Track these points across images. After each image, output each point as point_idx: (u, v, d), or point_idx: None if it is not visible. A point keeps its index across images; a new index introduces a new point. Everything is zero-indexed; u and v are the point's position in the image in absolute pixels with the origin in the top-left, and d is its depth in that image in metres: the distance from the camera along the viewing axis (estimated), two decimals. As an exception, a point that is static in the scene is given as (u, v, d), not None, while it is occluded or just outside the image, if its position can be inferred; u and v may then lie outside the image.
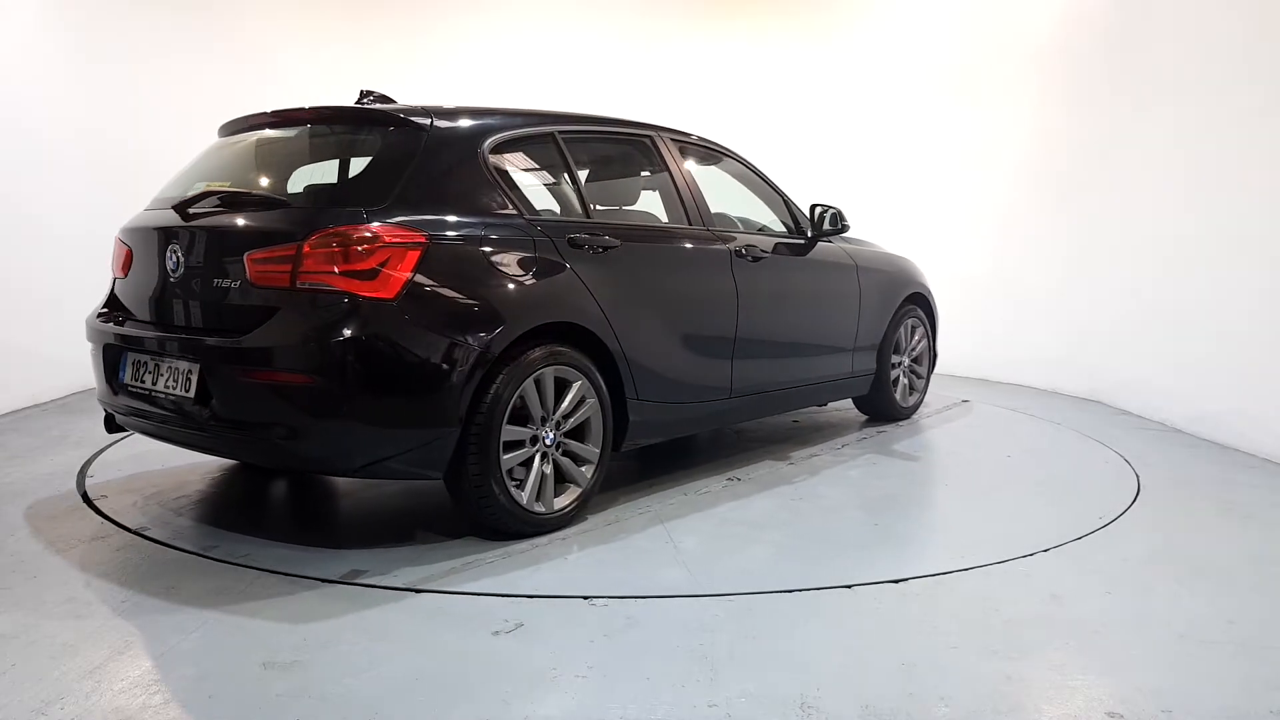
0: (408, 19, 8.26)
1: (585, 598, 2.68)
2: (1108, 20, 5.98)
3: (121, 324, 3.35)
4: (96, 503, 3.57)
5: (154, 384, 3.11)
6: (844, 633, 2.48)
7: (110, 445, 4.52)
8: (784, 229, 4.52)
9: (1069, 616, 2.60)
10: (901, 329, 5.14)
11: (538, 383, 3.12)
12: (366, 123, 3.23)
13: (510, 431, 3.05)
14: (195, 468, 4.08)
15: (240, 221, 3.04)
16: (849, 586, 2.79)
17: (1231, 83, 4.81)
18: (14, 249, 5.38)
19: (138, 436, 4.64)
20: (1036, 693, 2.17)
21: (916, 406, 5.44)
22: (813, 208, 4.50)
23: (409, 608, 2.60)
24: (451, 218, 3.03)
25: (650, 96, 8.44)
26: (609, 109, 5.31)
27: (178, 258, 3.12)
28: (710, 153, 4.41)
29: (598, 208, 3.98)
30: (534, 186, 3.66)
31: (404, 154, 3.07)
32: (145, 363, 3.16)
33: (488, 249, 3.07)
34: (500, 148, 3.32)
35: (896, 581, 2.84)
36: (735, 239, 4.06)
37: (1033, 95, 6.68)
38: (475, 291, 2.99)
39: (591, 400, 3.31)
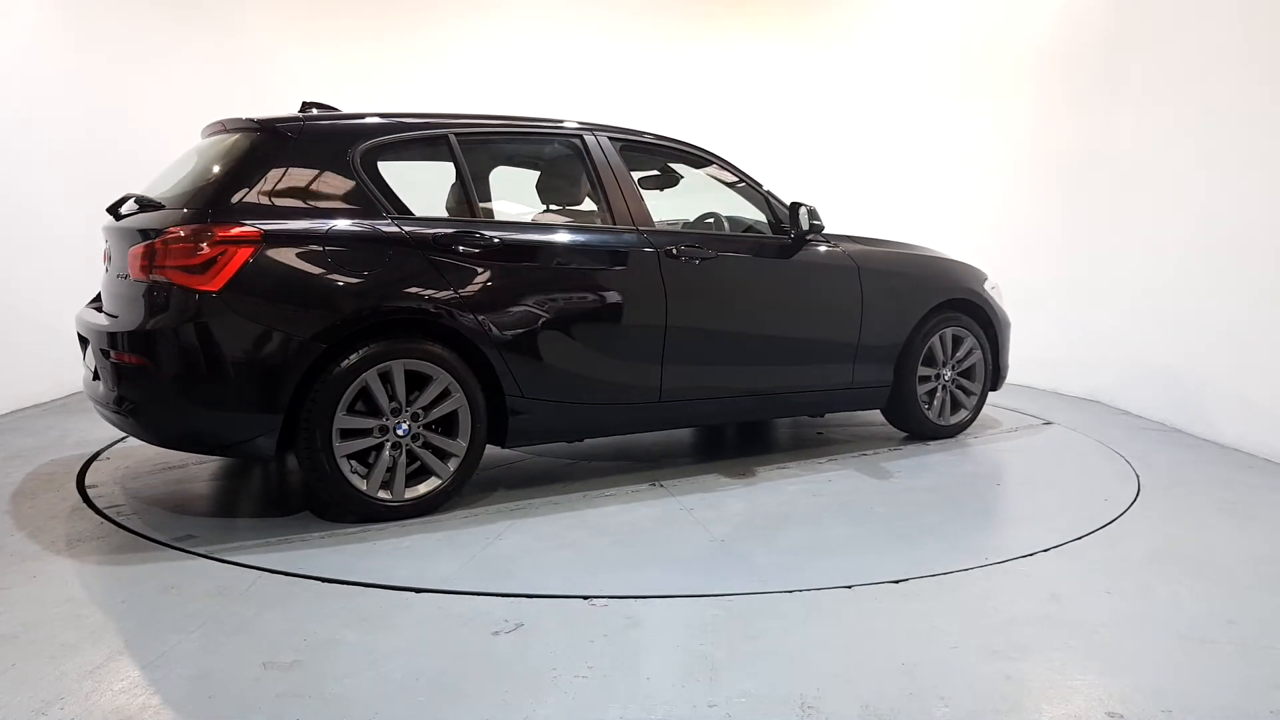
0: (408, 20, 8.26)
1: (585, 597, 2.68)
2: (1107, 20, 5.98)
3: (100, 313, 3.62)
4: (96, 502, 3.57)
5: (90, 365, 3.53)
6: (844, 633, 2.48)
7: (110, 445, 4.52)
8: (771, 230, 4.36)
9: (1069, 616, 2.60)
10: (936, 338, 4.68)
11: (384, 375, 3.25)
12: (252, 131, 3.42)
13: (350, 420, 3.21)
14: (195, 467, 4.08)
15: (135, 222, 3.37)
16: (849, 586, 2.79)
17: (1231, 82, 4.81)
18: (14, 249, 5.38)
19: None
20: (1036, 693, 2.17)
21: (963, 425, 4.88)
22: (793, 206, 4.26)
23: (409, 608, 2.60)
24: (301, 216, 3.25)
25: (650, 98, 8.44)
26: (608, 110, 5.30)
27: (108, 253, 3.57)
28: (671, 152, 4.31)
29: (505, 207, 4.04)
30: (412, 187, 3.76)
31: (266, 158, 3.31)
32: (91, 347, 3.54)
33: (332, 247, 3.23)
34: (375, 151, 3.47)
35: (896, 582, 2.84)
36: (671, 239, 3.93)
37: (1033, 95, 6.68)
38: (308, 287, 3.17)
39: (458, 395, 3.38)
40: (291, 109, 3.94)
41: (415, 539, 3.18)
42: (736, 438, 4.96)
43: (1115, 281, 5.83)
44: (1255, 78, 4.64)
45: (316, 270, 3.19)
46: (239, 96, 7.08)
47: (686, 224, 4.62)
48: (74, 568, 2.92)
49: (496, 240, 3.52)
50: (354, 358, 3.18)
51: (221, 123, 3.59)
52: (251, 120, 3.44)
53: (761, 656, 2.32)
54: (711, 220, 4.53)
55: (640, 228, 3.89)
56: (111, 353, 3.20)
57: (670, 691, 2.13)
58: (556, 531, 3.29)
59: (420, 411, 3.35)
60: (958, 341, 4.80)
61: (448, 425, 3.43)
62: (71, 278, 5.11)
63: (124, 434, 4.62)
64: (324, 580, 2.79)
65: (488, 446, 3.57)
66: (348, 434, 3.22)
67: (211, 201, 3.19)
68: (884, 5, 8.44)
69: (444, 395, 3.38)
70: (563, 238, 3.81)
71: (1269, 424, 4.50)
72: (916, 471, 4.20)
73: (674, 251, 3.89)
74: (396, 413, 3.30)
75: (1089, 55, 6.12)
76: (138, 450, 4.41)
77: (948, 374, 4.79)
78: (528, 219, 4.07)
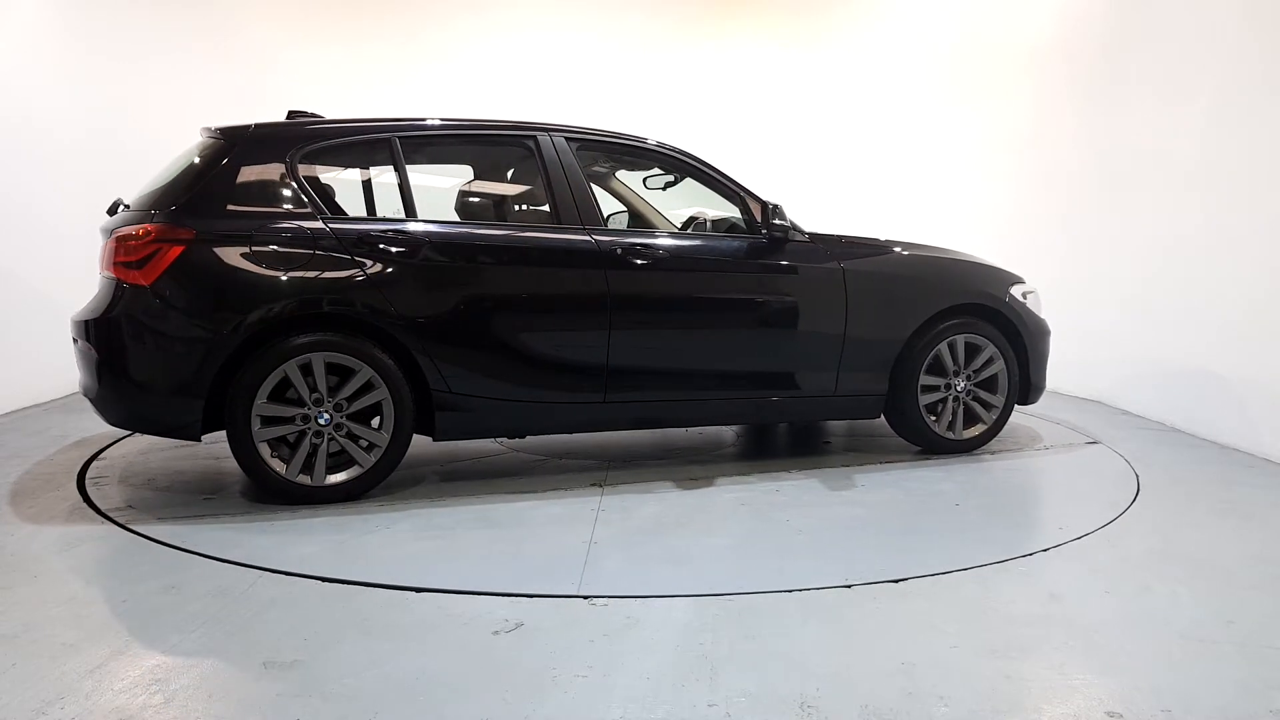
0: (409, 21, 8.26)
1: (585, 597, 2.68)
2: (1106, 20, 5.98)
3: None
4: (97, 502, 3.58)
5: None
6: (844, 632, 2.48)
7: (111, 445, 4.52)
8: (748, 230, 4.20)
9: (1069, 616, 2.60)
10: (944, 346, 4.36)
11: (304, 367, 3.44)
12: (214, 138, 3.69)
13: (271, 408, 3.42)
14: (195, 467, 4.09)
15: (109, 223, 3.66)
16: (849, 586, 2.79)
17: (1230, 82, 4.81)
18: (15, 248, 5.38)
19: (137, 437, 4.68)
20: (1036, 693, 2.17)
21: (980, 440, 4.52)
22: (764, 206, 4.11)
23: (409, 608, 2.60)
24: (234, 217, 3.48)
25: (647, 100, 8.44)
26: (607, 111, 5.29)
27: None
28: (637, 151, 4.27)
29: (441, 207, 4.10)
30: (348, 189, 3.95)
31: (212, 162, 3.57)
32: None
33: (259, 245, 3.45)
34: (312, 155, 3.69)
35: (896, 581, 2.84)
36: (618, 238, 3.89)
37: (1032, 96, 6.69)
38: (232, 282, 3.41)
39: (381, 388, 3.53)
40: (293, 109, 4.01)
41: (311, 522, 3.36)
42: (736, 443, 4.96)
43: (1115, 282, 5.83)
44: (1255, 76, 4.64)
45: (241, 267, 3.41)
46: (240, 97, 7.10)
47: (673, 225, 4.62)
48: (74, 567, 2.92)
49: (424, 239, 3.63)
50: (272, 350, 3.39)
51: (206, 128, 3.82)
52: (214, 128, 3.71)
53: (761, 656, 2.32)
54: (705, 221, 4.47)
55: (587, 227, 3.87)
56: (79, 340, 3.53)
57: (670, 691, 2.13)
58: (448, 525, 3.37)
59: (344, 402, 3.51)
60: (973, 350, 4.45)
61: (374, 416, 3.58)
62: (71, 278, 5.11)
63: (123, 433, 4.66)
64: (324, 580, 2.79)
65: (476, 442, 3.56)
66: (271, 420, 3.43)
67: (163, 203, 3.48)
68: (883, 6, 8.44)
69: (368, 387, 3.53)
70: (495, 237, 3.85)
71: (1269, 424, 4.50)
72: (881, 486, 3.94)
73: (618, 251, 3.86)
74: (320, 403, 3.47)
75: (1088, 55, 6.12)
76: (138, 449, 4.42)
77: (961, 384, 4.45)
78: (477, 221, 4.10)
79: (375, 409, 3.58)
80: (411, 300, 3.56)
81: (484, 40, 8.37)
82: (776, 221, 4.08)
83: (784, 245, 4.16)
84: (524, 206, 4.22)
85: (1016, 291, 4.60)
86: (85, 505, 3.55)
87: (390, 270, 3.56)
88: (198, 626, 2.45)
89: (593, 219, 3.91)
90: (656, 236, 4.13)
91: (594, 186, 4.38)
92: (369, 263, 3.53)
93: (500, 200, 4.25)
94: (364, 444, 3.57)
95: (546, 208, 3.97)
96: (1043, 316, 4.73)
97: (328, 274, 3.48)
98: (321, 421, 3.48)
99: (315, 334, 3.46)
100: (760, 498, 3.77)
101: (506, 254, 3.80)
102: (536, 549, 3.13)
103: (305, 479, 3.50)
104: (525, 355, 3.75)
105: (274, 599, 2.65)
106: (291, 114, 3.94)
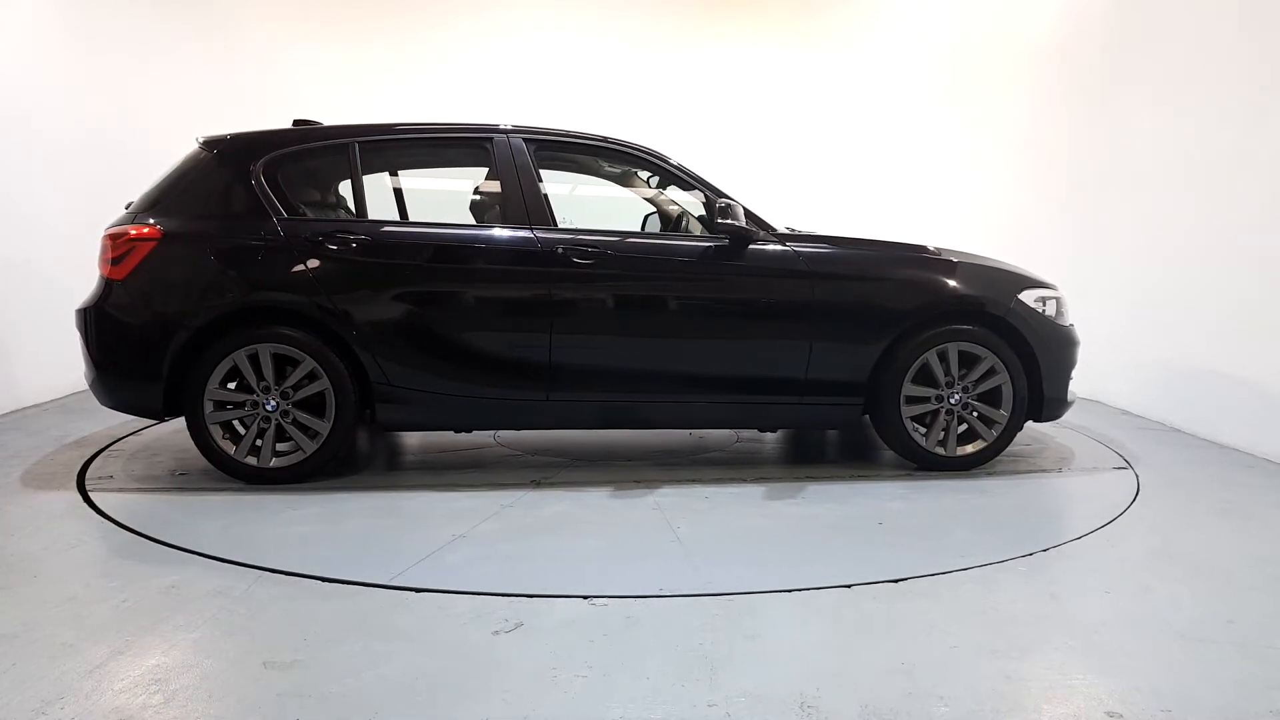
0: (407, 21, 8.27)
1: (585, 597, 2.68)
2: (1107, 20, 5.98)
3: None
4: (97, 502, 3.58)
5: None
6: (844, 632, 2.48)
7: (111, 444, 4.52)
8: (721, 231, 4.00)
9: (1069, 616, 2.60)
10: (933, 354, 4.01)
11: (252, 357, 3.71)
12: (201, 146, 3.97)
13: (223, 394, 3.73)
14: (196, 466, 4.08)
15: (109, 222, 3.89)
16: (848, 586, 2.79)
17: (1230, 82, 4.81)
18: (15, 248, 5.38)
19: (136, 437, 4.68)
20: (1036, 693, 2.17)
21: (976, 458, 4.13)
22: (716, 204, 3.93)
23: (409, 607, 2.60)
24: (201, 218, 3.80)
25: (647, 100, 8.45)
26: (604, 112, 5.29)
27: None
28: (604, 151, 4.24)
29: (400, 208, 4.40)
30: (306, 192, 4.15)
31: (191, 169, 3.90)
32: None
33: (217, 244, 3.75)
34: (274, 162, 3.90)
35: (896, 581, 2.84)
36: (562, 237, 3.85)
37: (1031, 96, 6.69)
38: (188, 278, 3.74)
39: (323, 379, 3.75)
40: (293, 110, 4.06)
41: (237, 498, 3.63)
42: (739, 444, 4.96)
43: (1116, 282, 5.83)
44: (1255, 76, 4.64)
45: (198, 265, 3.73)
46: (240, 98, 7.10)
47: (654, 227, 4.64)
48: (74, 567, 2.92)
49: (366, 238, 3.80)
50: (222, 341, 3.67)
51: (201, 138, 4.05)
52: (200, 138, 4.00)
53: (761, 656, 2.32)
54: (686, 220, 4.39)
55: (534, 226, 3.88)
56: (78, 329, 3.81)
57: (670, 691, 2.13)
58: (350, 511, 3.50)
59: (290, 390, 3.75)
60: (970, 360, 4.07)
61: (318, 405, 3.79)
62: (72, 278, 5.11)
63: (123, 433, 4.66)
64: (324, 580, 2.79)
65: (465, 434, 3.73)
66: (223, 405, 3.74)
67: (148, 205, 3.81)
68: (882, 6, 8.44)
69: (312, 377, 3.76)
70: (432, 235, 3.90)
71: (1269, 424, 4.50)
72: (821, 500, 3.71)
73: (560, 250, 3.84)
74: (267, 390, 3.73)
75: (1087, 55, 6.12)
76: (138, 449, 4.42)
77: (955, 397, 4.08)
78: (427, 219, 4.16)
79: (300, 396, 3.77)
80: (351, 296, 3.75)
81: (484, 40, 8.37)
82: (726, 221, 3.86)
83: (744, 244, 3.96)
84: (475, 206, 4.26)
85: (1029, 297, 4.12)
86: (85, 505, 3.55)
87: (331, 267, 3.75)
88: (198, 626, 2.45)
89: (542, 218, 3.92)
90: (604, 235, 3.98)
91: (619, 188, 4.42)
92: (313, 260, 3.73)
93: (452, 200, 4.32)
94: (310, 431, 3.77)
95: (498, 207, 4.00)
96: (1068, 324, 4.27)
97: (275, 271, 3.73)
98: (268, 408, 3.73)
99: (262, 327, 3.71)
100: (681, 504, 3.62)
101: (444, 252, 3.88)
102: (404, 539, 3.19)
103: (253, 460, 3.76)
104: (464, 351, 3.82)
105: (274, 599, 2.65)
106: (296, 122, 4.09)
